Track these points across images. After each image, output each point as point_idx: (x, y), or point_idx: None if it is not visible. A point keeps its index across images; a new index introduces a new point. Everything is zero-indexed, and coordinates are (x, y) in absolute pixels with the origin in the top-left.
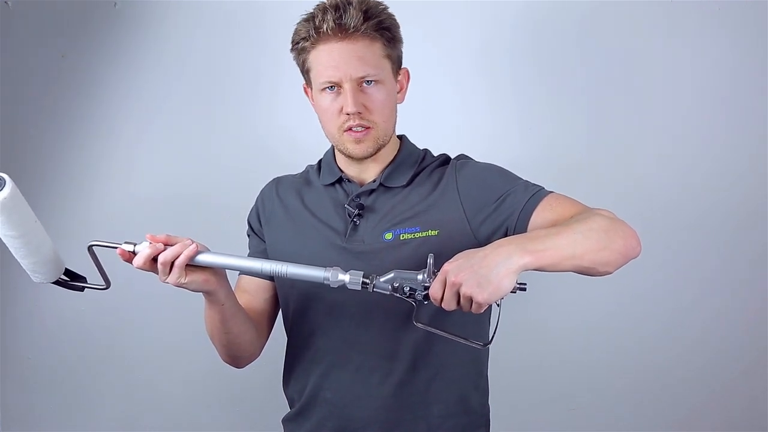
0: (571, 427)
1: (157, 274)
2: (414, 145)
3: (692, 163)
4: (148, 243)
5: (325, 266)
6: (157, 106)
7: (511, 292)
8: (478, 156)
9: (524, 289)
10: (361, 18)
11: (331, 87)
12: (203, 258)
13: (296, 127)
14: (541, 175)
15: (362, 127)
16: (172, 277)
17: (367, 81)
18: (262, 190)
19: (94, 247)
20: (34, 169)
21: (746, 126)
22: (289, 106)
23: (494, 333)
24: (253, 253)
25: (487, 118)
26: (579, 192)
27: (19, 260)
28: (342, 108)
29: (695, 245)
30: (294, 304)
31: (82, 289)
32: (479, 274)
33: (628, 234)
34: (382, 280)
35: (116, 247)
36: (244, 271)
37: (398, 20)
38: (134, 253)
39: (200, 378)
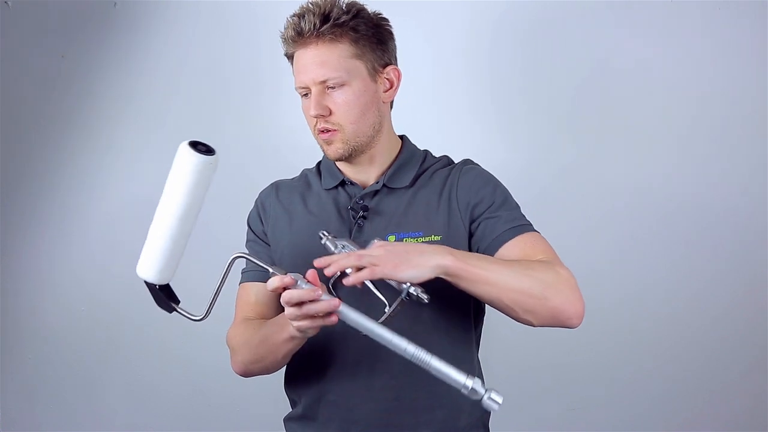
0: (571, 427)
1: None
2: (415, 145)
3: (687, 162)
4: (302, 278)
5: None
6: (156, 105)
7: (409, 296)
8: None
9: (423, 301)
10: (318, 22)
11: (305, 93)
12: (351, 316)
13: (298, 126)
14: (529, 178)
15: (328, 130)
16: (303, 324)
17: (331, 84)
18: (260, 194)
19: (237, 260)
20: (34, 169)
21: (745, 127)
22: (290, 105)
23: (388, 315)
24: (260, 259)
25: (474, 121)
26: (566, 195)
27: (153, 238)
28: None
29: (695, 245)
30: None
31: (170, 310)
32: (404, 254)
33: (570, 301)
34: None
35: (267, 269)
36: (383, 341)
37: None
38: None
39: (200, 377)
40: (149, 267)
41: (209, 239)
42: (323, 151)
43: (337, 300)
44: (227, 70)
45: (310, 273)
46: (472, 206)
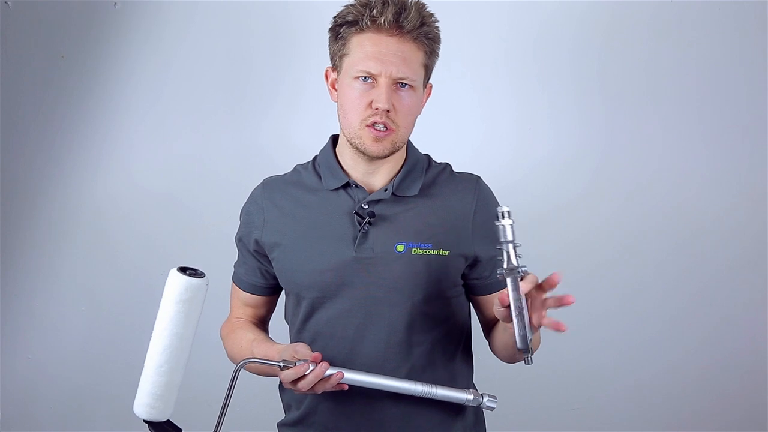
0: (571, 427)
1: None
2: (417, 149)
3: (699, 163)
4: (309, 360)
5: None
6: (155, 106)
7: None
8: (500, 157)
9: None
10: (418, 23)
11: (366, 78)
12: (355, 378)
13: (292, 128)
14: (565, 176)
15: (385, 126)
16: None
17: (403, 83)
18: (252, 194)
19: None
20: (33, 169)
21: (746, 127)
22: (287, 107)
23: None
24: (253, 269)
25: (520, 117)
26: (590, 193)
27: (152, 375)
28: (371, 102)
29: (698, 246)
30: (303, 314)
31: None
32: None
33: None
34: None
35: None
36: (395, 389)
37: None
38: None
39: (198, 379)
40: (151, 406)
41: (204, 235)
42: (363, 145)
43: (341, 372)
44: (226, 70)
45: (315, 355)
46: (488, 240)
